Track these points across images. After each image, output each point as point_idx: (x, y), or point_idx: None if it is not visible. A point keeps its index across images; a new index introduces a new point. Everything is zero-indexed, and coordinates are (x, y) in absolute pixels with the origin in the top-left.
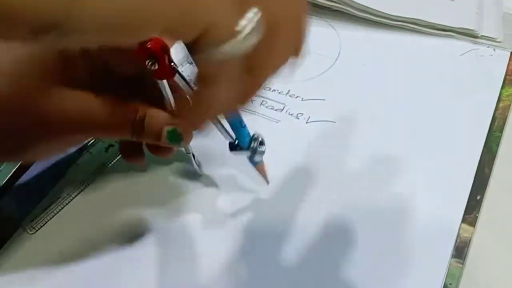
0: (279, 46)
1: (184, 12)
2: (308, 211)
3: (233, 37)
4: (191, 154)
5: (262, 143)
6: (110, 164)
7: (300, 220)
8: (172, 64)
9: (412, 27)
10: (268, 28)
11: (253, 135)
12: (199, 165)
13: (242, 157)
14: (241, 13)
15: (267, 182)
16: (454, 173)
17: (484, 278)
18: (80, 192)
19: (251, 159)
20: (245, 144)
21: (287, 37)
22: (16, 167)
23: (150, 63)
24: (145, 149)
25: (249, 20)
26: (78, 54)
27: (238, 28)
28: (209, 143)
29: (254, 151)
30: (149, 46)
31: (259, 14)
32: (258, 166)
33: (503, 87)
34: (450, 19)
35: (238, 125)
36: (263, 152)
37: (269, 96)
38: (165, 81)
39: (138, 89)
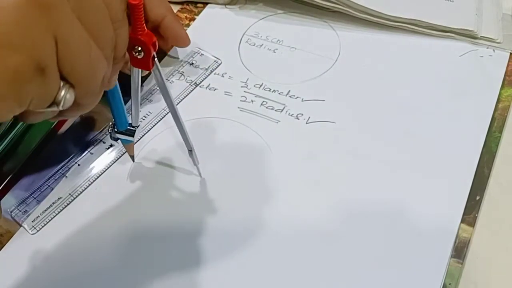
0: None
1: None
2: (309, 211)
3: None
4: (192, 151)
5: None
6: (111, 165)
7: (300, 220)
8: (155, 59)
9: (412, 28)
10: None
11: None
12: (197, 164)
13: (242, 156)
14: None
15: (133, 160)
16: (454, 174)
17: (483, 278)
18: (81, 192)
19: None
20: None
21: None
22: (18, 167)
23: (136, 52)
24: None
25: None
26: None
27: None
28: (208, 143)
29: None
30: (141, 38)
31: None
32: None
33: (502, 87)
34: (450, 20)
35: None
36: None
37: (269, 97)
38: (139, 70)
39: None
